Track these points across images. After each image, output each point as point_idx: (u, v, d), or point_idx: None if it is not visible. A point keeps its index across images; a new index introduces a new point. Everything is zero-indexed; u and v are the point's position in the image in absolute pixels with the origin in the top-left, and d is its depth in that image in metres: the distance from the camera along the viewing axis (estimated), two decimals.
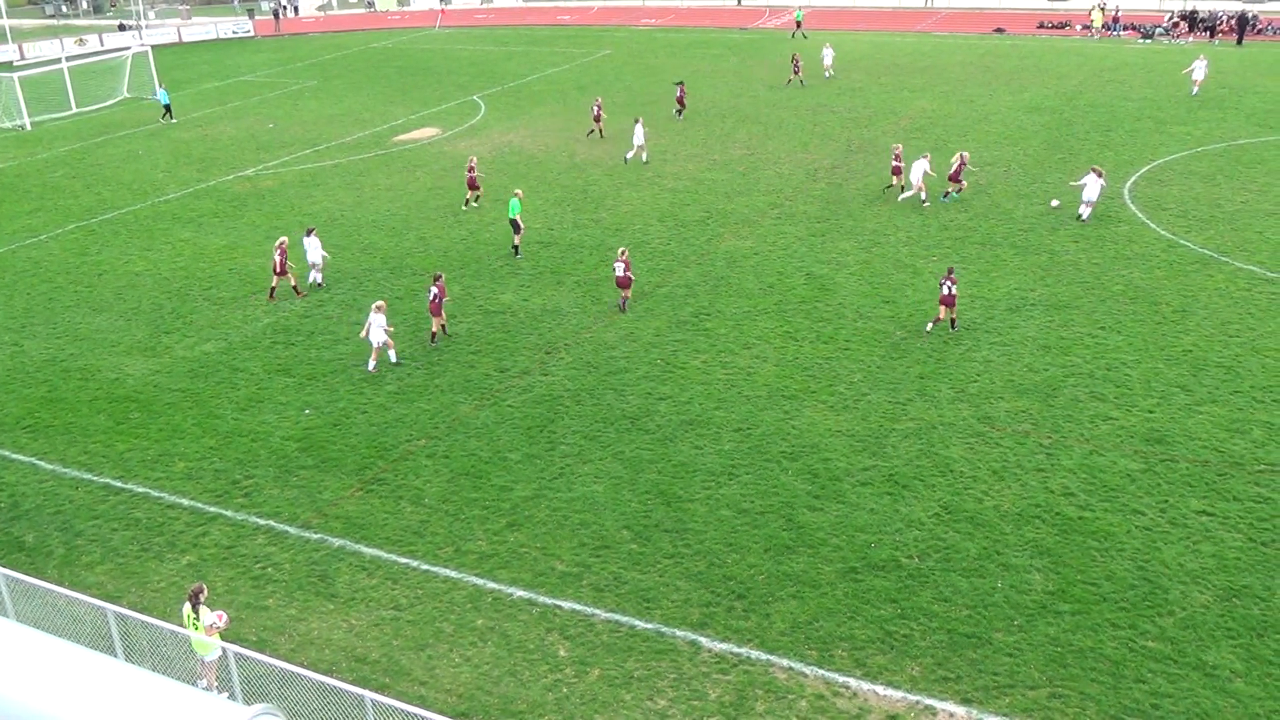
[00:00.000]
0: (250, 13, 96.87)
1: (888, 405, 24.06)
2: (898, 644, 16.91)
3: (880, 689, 16.03)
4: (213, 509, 21.23)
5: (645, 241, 34.93)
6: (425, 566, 19.19)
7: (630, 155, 44.38)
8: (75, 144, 52.70)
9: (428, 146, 48.77)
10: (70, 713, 11.82)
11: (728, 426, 23.40)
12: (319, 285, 32.05)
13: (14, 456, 23.56)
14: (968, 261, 32.16)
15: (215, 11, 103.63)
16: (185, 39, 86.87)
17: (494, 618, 17.84)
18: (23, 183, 45.84)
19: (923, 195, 37.38)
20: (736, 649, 16.93)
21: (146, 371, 27.31)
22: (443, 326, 28.07)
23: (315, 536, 20.21)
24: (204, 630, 15.58)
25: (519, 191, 35.44)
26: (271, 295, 31.51)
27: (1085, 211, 35.21)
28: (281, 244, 30.96)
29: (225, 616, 15.87)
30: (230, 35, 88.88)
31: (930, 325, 27.61)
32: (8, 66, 66.78)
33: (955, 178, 37.76)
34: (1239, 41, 66.94)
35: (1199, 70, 52.77)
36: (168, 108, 56.85)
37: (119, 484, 22.29)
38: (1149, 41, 69.39)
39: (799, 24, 73.79)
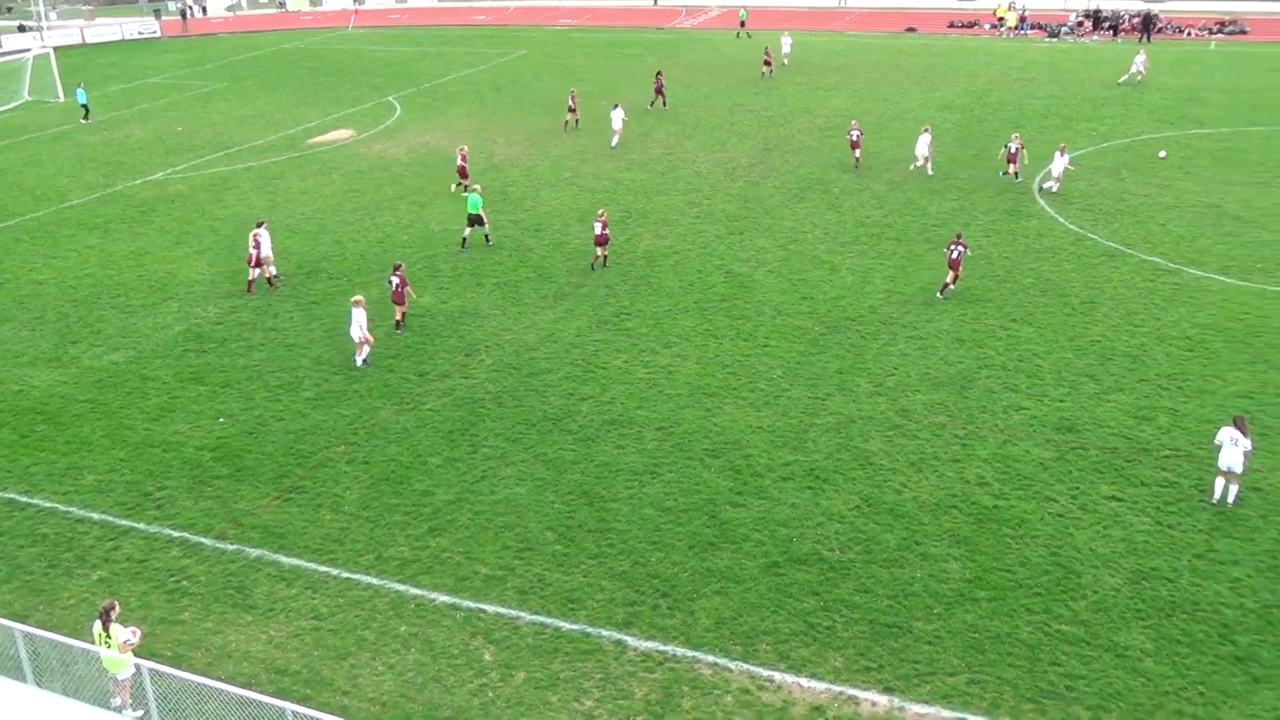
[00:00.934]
0: (157, 13, 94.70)
1: (808, 400, 24.31)
2: (821, 636, 17.10)
3: (804, 681, 16.19)
4: (124, 522, 20.69)
5: (564, 242, 34.87)
6: (346, 574, 18.93)
7: (615, 142, 45.73)
8: None
9: (343, 148, 48.12)
10: None
11: (650, 425, 23.46)
12: (276, 278, 32.03)
13: None
14: (884, 257, 32.65)
15: (120, 12, 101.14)
16: (89, 40, 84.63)
17: (417, 624, 17.66)
18: None
19: (929, 167, 39.93)
20: (662, 647, 16.97)
21: (52, 382, 26.53)
22: (404, 314, 28.47)
23: (232, 548, 19.81)
24: (117, 647, 15.18)
25: (478, 187, 35.57)
26: (250, 289, 31.37)
27: (1054, 185, 38.26)
28: (255, 235, 31.04)
29: (139, 632, 15.48)
30: (136, 36, 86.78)
31: (940, 294, 29.46)
32: None
33: (1013, 159, 39.53)
34: (1145, 40, 68.87)
35: (1138, 64, 55.20)
36: (86, 108, 55.43)
37: (24, 499, 21.62)
38: (1055, 40, 71.09)
39: (743, 23, 74.68)
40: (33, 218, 39.82)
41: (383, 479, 21.77)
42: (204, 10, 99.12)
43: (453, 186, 40.45)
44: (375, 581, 18.70)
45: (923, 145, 41.00)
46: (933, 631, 17.11)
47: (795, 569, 18.67)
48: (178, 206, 40.37)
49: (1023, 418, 23.30)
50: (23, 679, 15.88)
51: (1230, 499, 19.97)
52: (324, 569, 19.06)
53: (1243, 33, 70.39)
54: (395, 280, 27.98)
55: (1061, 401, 23.91)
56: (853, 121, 44.22)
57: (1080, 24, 73.42)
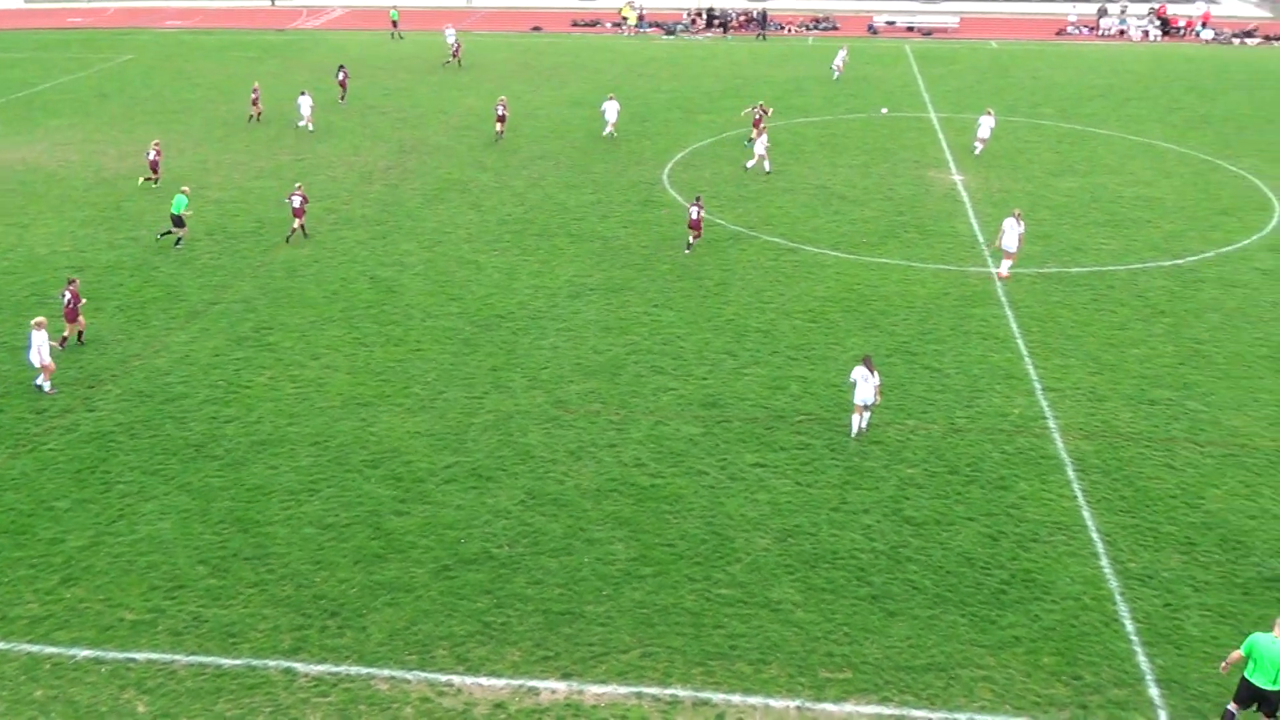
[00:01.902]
0: None
1: (464, 401, 24.25)
2: (496, 633, 17.13)
3: (484, 680, 16.17)
4: None
5: (193, 258, 32.79)
6: None
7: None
8: None
9: None
10: None
11: (303, 441, 22.56)
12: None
13: None
14: (527, 253, 33.11)
15: None
16: None
17: (55, 685, 16.04)
18: None
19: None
20: (335, 668, 16.39)
21: None
22: (80, 332, 26.72)
23: None
24: None
25: (185, 188, 34.41)
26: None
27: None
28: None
29: None
30: None
31: (687, 249, 32.67)
32: None
33: (757, 124, 43.38)
34: (761, 37, 73.83)
35: (839, 59, 58.90)
36: None
37: None
38: (672, 37, 74.78)
39: (395, 24, 72.97)
40: None
41: (1, 531, 19.59)
42: None
43: (140, 180, 39.58)
44: (1, 645, 16.81)
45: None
46: (604, 613, 17.57)
47: (466, 570, 18.59)
48: None
49: (671, 398, 24.38)
50: None
51: (864, 427, 22.66)
52: None
53: (834, 28, 77.08)
54: (68, 295, 26.21)
55: (705, 379, 25.24)
56: (500, 98, 47.15)
57: (694, 21, 77.64)
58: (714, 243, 33.94)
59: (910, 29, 76.86)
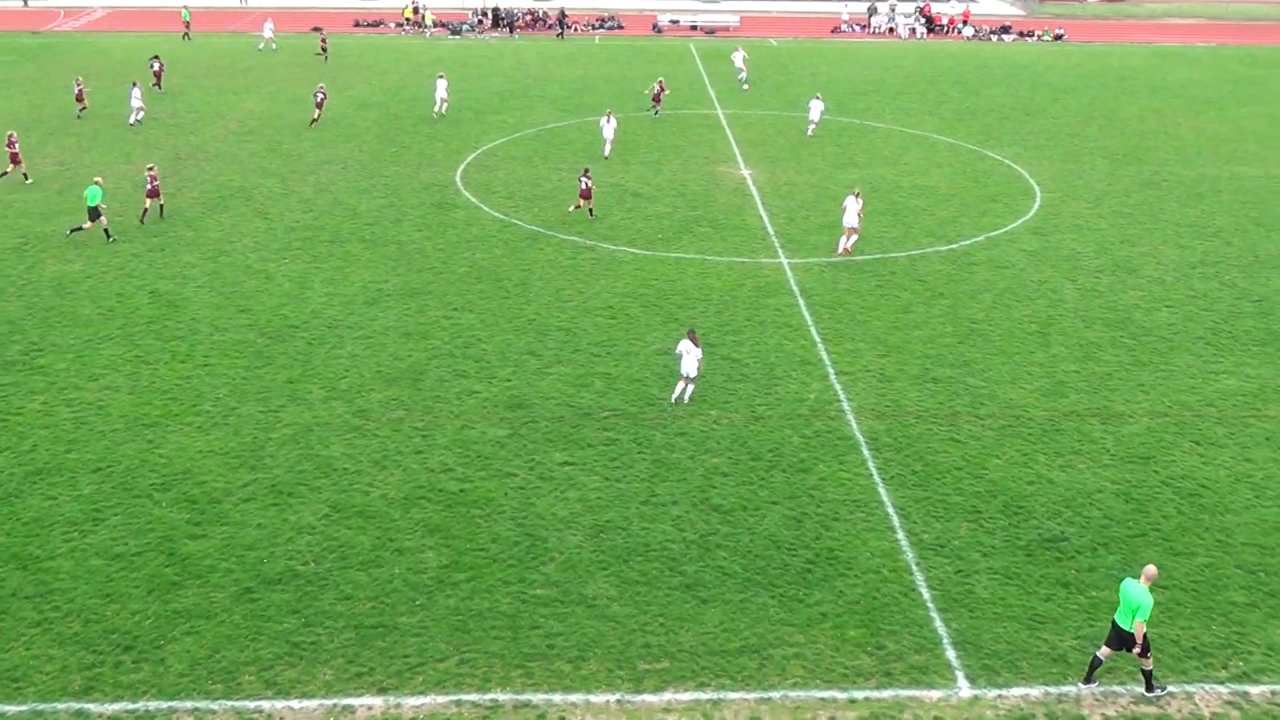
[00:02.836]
0: None
1: (260, 415, 23.34)
2: (306, 653, 16.56)
3: (295, 703, 15.61)
4: None
5: None
6: None
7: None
8: None
9: None
10: None
11: (84, 468, 21.23)
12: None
13: None
14: (319, 260, 32.15)
15: None
16: None
17: None
18: None
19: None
20: (132, 705, 15.48)
21: None
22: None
23: None
24: None
25: (98, 179, 34.07)
26: None
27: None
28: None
29: None
30: None
31: (573, 208, 35.77)
32: None
33: (657, 99, 48.75)
34: (560, 36, 73.81)
35: (738, 59, 58.93)
36: None
37: None
38: (458, 37, 74.01)
39: (188, 25, 69.14)
40: None
41: None
42: None
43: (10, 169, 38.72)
44: None
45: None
46: (418, 623, 17.25)
47: (270, 590, 17.90)
48: None
49: (476, 401, 24.14)
50: None
51: (686, 398, 23.73)
52: None
53: (620, 27, 77.98)
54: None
55: (509, 380, 25.10)
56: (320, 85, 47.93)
57: (481, 21, 77.08)
58: (511, 243, 33.80)
59: (694, 28, 78.54)
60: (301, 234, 34.42)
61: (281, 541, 19.16)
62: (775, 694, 15.94)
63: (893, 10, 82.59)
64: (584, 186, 35.52)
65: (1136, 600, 15.52)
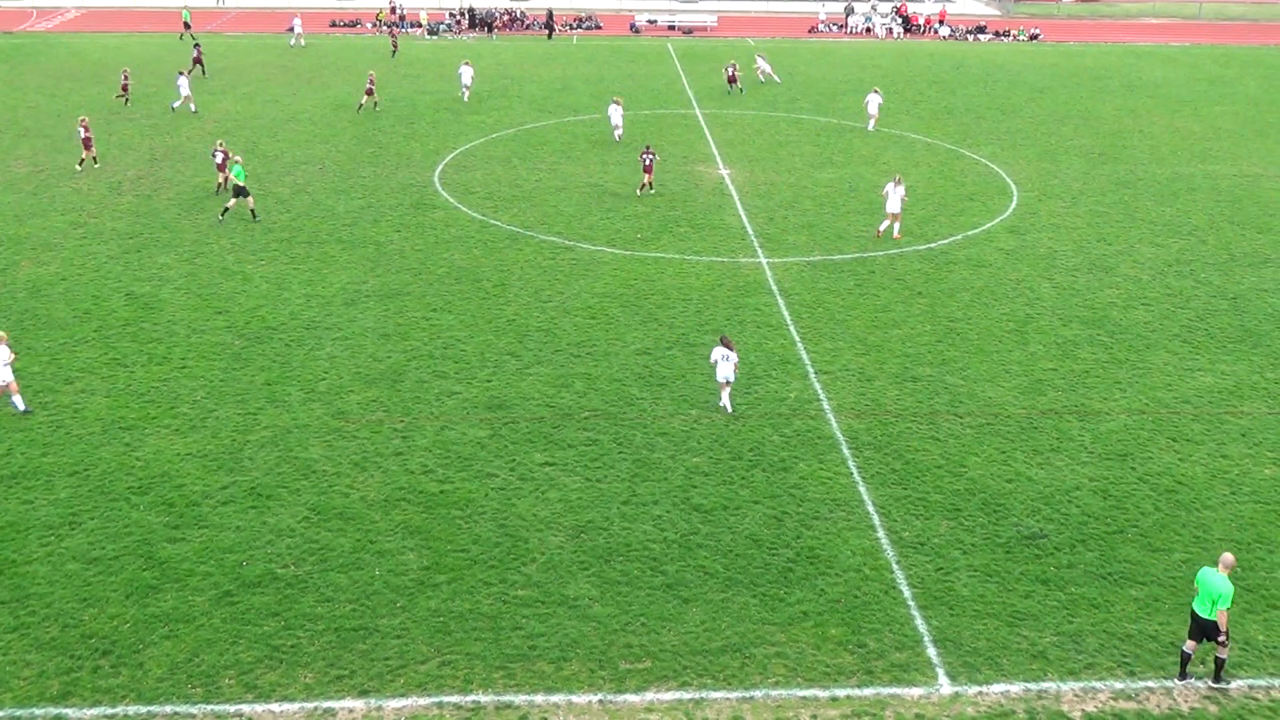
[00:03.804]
0: None
1: (238, 418, 23.21)
2: (286, 656, 16.48)
3: (275, 706, 15.53)
4: None
5: None
6: None
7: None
8: None
9: None
10: None
11: (60, 472, 21.06)
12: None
13: None
14: (297, 261, 32.00)
15: None
16: None
17: None
18: None
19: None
20: (110, 710, 15.38)
21: None
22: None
23: None
24: None
25: (239, 158, 36.65)
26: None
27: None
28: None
29: None
30: None
31: (639, 190, 37.97)
32: None
33: (732, 79, 53.74)
34: (549, 35, 73.69)
35: (765, 66, 59.28)
36: None
37: None
38: (435, 38, 73.78)
39: (187, 25, 68.71)
40: None
41: None
42: None
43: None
44: None
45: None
46: (399, 625, 17.19)
47: (250, 594, 17.80)
48: None
49: (456, 402, 24.08)
50: None
51: (727, 404, 23.63)
52: None
53: (598, 27, 77.94)
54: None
55: (489, 381, 25.05)
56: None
57: (459, 21, 76.88)
58: (490, 244, 33.73)
59: (671, 28, 78.59)
60: (279, 235, 34.24)
61: (261, 544, 19.06)
62: (757, 693, 15.96)
63: (872, 9, 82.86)
64: (647, 163, 38.20)
65: (1217, 589, 15.65)
